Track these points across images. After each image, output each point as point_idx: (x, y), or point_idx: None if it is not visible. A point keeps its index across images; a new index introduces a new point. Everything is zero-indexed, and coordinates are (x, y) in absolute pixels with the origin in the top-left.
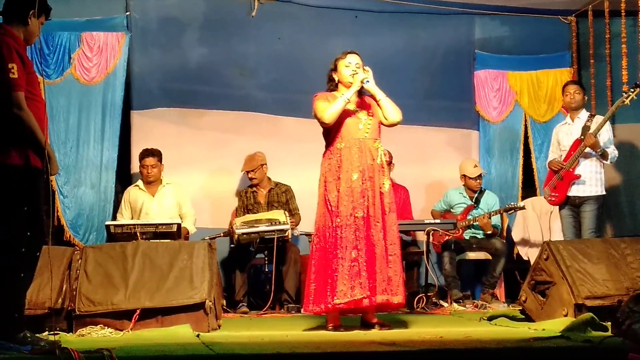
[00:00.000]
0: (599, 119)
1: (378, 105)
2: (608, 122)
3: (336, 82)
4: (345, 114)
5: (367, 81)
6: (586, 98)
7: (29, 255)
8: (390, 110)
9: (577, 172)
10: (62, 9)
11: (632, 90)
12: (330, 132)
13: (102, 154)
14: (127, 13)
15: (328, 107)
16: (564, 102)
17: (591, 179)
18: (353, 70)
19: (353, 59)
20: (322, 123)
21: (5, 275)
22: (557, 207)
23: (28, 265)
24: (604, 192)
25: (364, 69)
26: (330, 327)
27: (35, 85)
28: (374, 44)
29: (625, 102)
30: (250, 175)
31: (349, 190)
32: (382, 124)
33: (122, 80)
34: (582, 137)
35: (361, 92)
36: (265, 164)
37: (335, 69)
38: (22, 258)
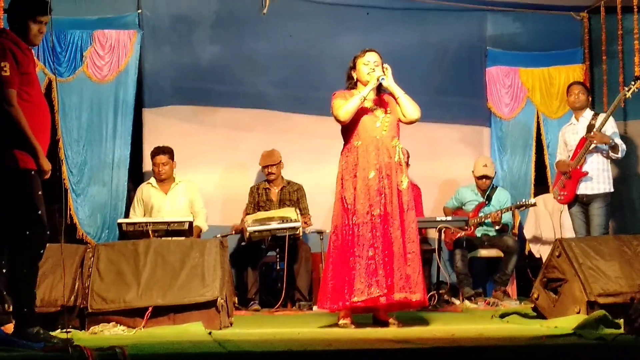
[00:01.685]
0: (602, 116)
1: (397, 102)
2: (612, 118)
3: (355, 80)
4: (362, 112)
5: (383, 79)
6: (590, 98)
7: (32, 253)
8: (408, 107)
9: (584, 169)
10: (74, 7)
11: (633, 83)
12: (348, 130)
13: (114, 152)
14: (139, 11)
15: (344, 105)
16: (568, 102)
17: (598, 177)
18: (371, 68)
19: (372, 57)
20: (338, 121)
21: (8, 273)
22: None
23: (32, 262)
24: (612, 189)
25: (383, 67)
26: (341, 323)
27: (33, 87)
28: (385, 40)
29: (627, 95)
30: (269, 170)
31: (366, 188)
32: (400, 121)
33: (134, 78)
34: (587, 135)
35: (380, 90)
36: (282, 161)
37: (354, 67)
38: (22, 255)
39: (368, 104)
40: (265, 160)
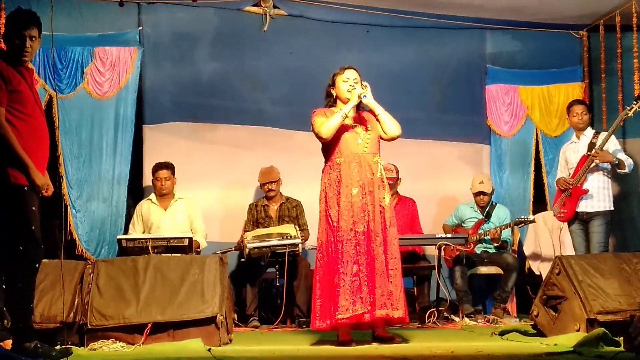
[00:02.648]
0: (604, 135)
1: (377, 119)
2: (613, 136)
3: (334, 97)
4: (343, 129)
5: (365, 96)
6: (591, 116)
7: (26, 268)
8: (389, 124)
9: (584, 187)
10: (76, 24)
11: (635, 102)
12: (329, 147)
13: (114, 168)
14: (140, 28)
15: (325, 122)
16: (570, 122)
17: (599, 195)
18: (351, 86)
19: (351, 74)
20: (320, 138)
21: (3, 288)
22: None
23: (26, 277)
24: (612, 208)
25: (362, 84)
26: (340, 342)
27: (27, 105)
28: (385, 58)
29: (629, 115)
30: (269, 187)
31: (349, 205)
32: (381, 138)
33: (135, 95)
34: (589, 153)
35: (360, 107)
36: (280, 178)
37: (333, 85)
38: (16, 270)
39: (348, 121)
40: (265, 177)
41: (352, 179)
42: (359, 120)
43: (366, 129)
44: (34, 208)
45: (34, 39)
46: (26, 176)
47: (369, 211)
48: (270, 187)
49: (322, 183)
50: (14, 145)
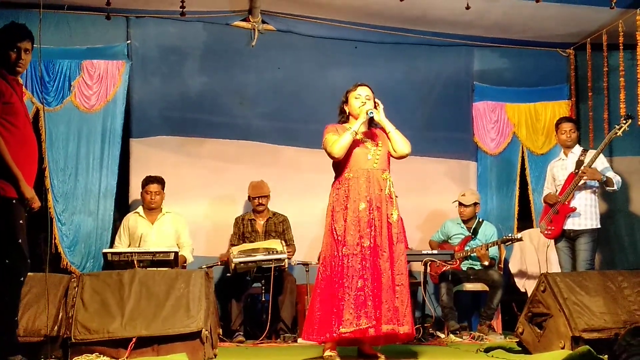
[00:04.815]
0: (591, 153)
1: (387, 137)
2: (601, 154)
3: (347, 114)
4: (354, 145)
5: (372, 113)
6: (579, 134)
7: (11, 282)
8: (399, 142)
9: (572, 205)
10: (64, 37)
11: (625, 121)
12: (340, 163)
13: (101, 182)
14: (128, 42)
15: (337, 142)
16: (559, 139)
17: (586, 212)
18: (362, 102)
19: (363, 91)
20: (331, 157)
21: None
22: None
23: (11, 291)
24: (599, 226)
25: (375, 102)
26: (326, 355)
27: (17, 117)
28: (373, 74)
29: (618, 134)
30: (260, 202)
31: (356, 220)
32: (391, 155)
33: (122, 109)
34: (577, 170)
35: (371, 124)
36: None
37: (346, 101)
38: (2, 284)
39: (359, 136)
40: (256, 191)
41: (360, 194)
42: (370, 136)
43: (377, 145)
44: (21, 221)
45: (27, 51)
46: (15, 189)
47: (376, 226)
48: (260, 202)
49: (330, 198)
50: (4, 157)
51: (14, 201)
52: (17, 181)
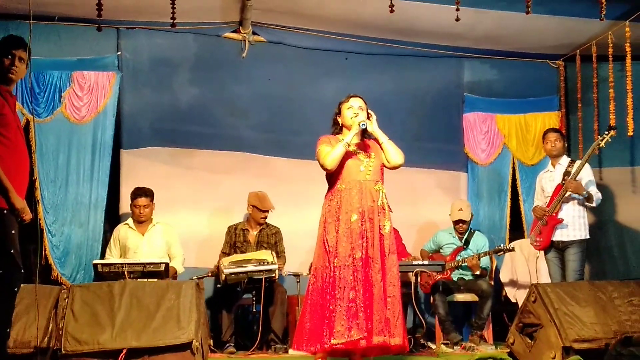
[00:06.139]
0: (578, 164)
1: (381, 148)
2: (588, 166)
3: (340, 125)
4: (346, 156)
5: (364, 125)
6: (566, 145)
7: (3, 292)
8: (392, 153)
9: (559, 216)
10: (54, 48)
11: (607, 133)
12: (332, 175)
13: (91, 193)
14: (119, 53)
15: (329, 153)
16: (545, 150)
17: (574, 224)
18: (354, 113)
19: (355, 102)
20: (324, 169)
21: None
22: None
23: (3, 302)
24: (588, 236)
25: (368, 113)
26: None
27: (8, 128)
28: (363, 85)
29: (601, 145)
30: (265, 215)
31: (348, 231)
32: (384, 166)
33: (112, 120)
34: (564, 182)
35: (364, 135)
36: None
37: (339, 113)
38: None
39: (352, 148)
40: (266, 204)
41: (352, 206)
42: (363, 147)
43: (369, 156)
44: (13, 232)
45: (22, 60)
46: (6, 200)
47: (368, 238)
48: (266, 215)
49: (322, 209)
50: None
51: (5, 212)
52: (7, 192)
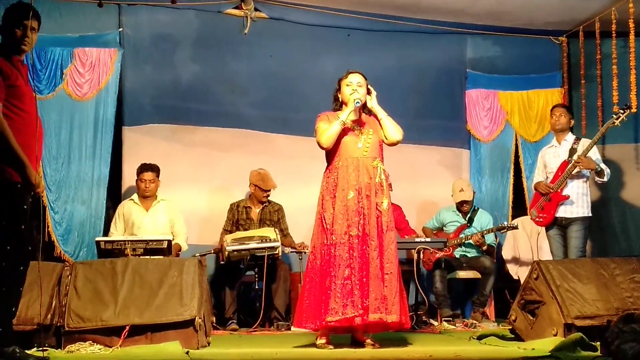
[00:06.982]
0: (585, 142)
1: (379, 124)
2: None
3: (340, 102)
4: (344, 133)
5: (358, 102)
6: (572, 121)
7: (11, 270)
8: (390, 129)
9: (565, 193)
10: (55, 24)
11: (622, 111)
12: (330, 151)
13: (94, 170)
14: (120, 29)
15: (325, 131)
16: (550, 124)
17: (578, 200)
18: (353, 90)
19: (354, 79)
20: (320, 146)
21: None
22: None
23: (11, 279)
24: (590, 214)
25: (368, 89)
26: (318, 343)
27: (22, 100)
28: (365, 62)
29: (616, 123)
30: (268, 194)
31: (344, 209)
32: (383, 142)
33: (114, 97)
34: (570, 159)
35: (364, 111)
36: None
37: (339, 89)
38: (2, 272)
39: (350, 125)
40: (269, 184)
41: (349, 183)
42: (362, 124)
43: (368, 133)
44: (25, 207)
45: (34, 30)
46: (21, 174)
47: (365, 215)
48: (268, 194)
49: (321, 186)
50: (10, 141)
51: (18, 186)
52: (23, 166)
